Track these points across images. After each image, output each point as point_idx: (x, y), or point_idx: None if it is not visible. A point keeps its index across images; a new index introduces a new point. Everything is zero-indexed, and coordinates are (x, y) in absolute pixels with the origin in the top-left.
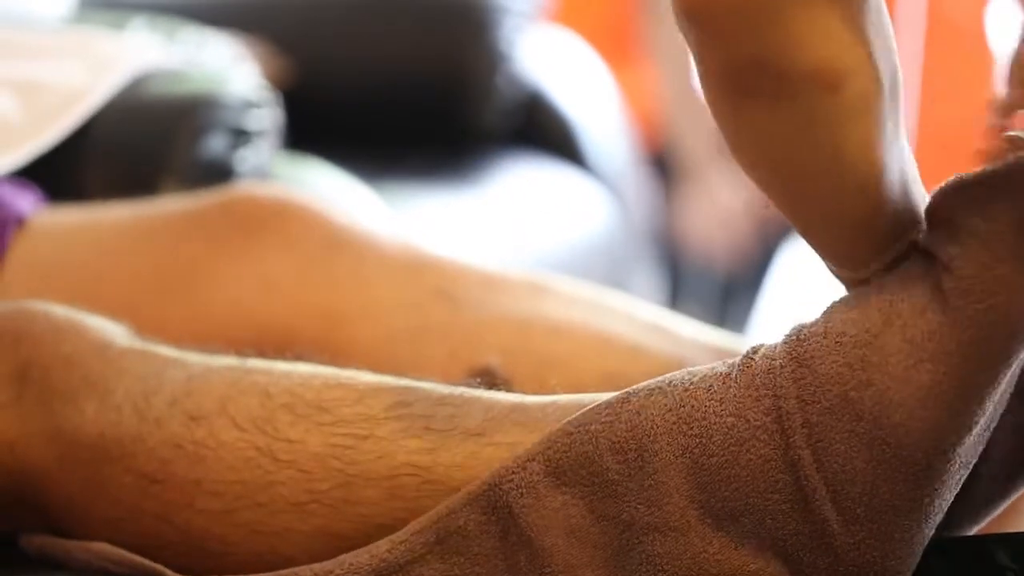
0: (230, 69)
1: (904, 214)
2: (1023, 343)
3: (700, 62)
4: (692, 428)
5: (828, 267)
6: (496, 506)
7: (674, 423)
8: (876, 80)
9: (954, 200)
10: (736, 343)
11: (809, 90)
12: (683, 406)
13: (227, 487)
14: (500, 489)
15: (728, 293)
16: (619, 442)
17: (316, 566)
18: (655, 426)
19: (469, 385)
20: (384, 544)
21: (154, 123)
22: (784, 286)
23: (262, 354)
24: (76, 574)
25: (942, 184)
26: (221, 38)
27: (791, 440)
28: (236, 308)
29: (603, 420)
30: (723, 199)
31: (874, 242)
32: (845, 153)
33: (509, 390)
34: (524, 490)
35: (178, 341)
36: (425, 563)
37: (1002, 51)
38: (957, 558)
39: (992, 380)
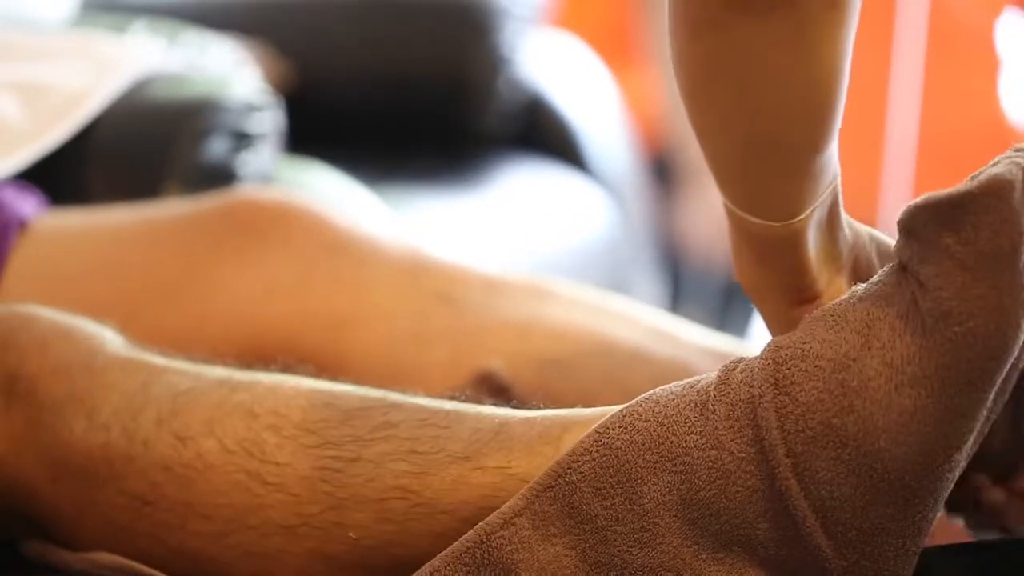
0: (232, 73)
1: (835, 152)
2: (1004, 364)
3: None
4: (675, 465)
5: (749, 223)
6: (486, 563)
7: (656, 462)
8: None
9: (928, 216)
10: (737, 347)
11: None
12: (662, 443)
13: (217, 510)
14: (491, 547)
15: (729, 296)
16: (603, 488)
17: None
18: (638, 467)
19: (457, 396)
20: None
21: (156, 126)
22: None
23: (248, 366)
24: None
25: (915, 200)
26: (223, 41)
27: (776, 471)
28: (237, 312)
29: (582, 469)
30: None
31: (815, 180)
32: (822, 71)
33: (511, 394)
34: (518, 546)
35: (178, 345)
36: None
37: (1009, 56)
38: (950, 560)
39: (976, 402)
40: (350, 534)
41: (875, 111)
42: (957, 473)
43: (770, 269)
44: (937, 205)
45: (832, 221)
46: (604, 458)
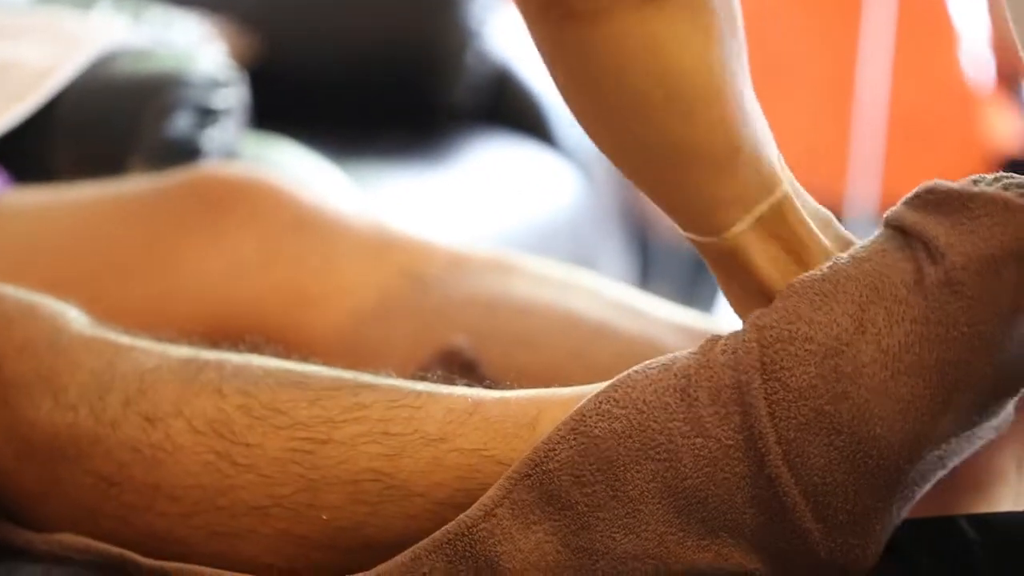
0: (197, 48)
1: (764, 168)
2: (1007, 363)
3: None
4: (659, 453)
5: (688, 237)
6: (467, 555)
7: (638, 449)
8: None
9: (951, 194)
10: (704, 322)
11: (627, 5)
12: (644, 430)
13: (186, 491)
14: (473, 539)
15: (697, 271)
16: (582, 476)
17: None
18: (618, 455)
19: (428, 376)
20: None
21: (121, 102)
22: None
23: (215, 344)
24: (40, 560)
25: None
26: (187, 17)
27: (766, 458)
28: (202, 288)
29: (559, 457)
30: None
31: (735, 193)
32: (680, 74)
33: (477, 371)
34: (500, 537)
35: (144, 322)
36: None
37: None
38: (925, 534)
39: (974, 402)
40: (322, 515)
41: (843, 84)
42: (953, 461)
43: (731, 283)
44: (966, 191)
45: (792, 230)
46: (582, 446)
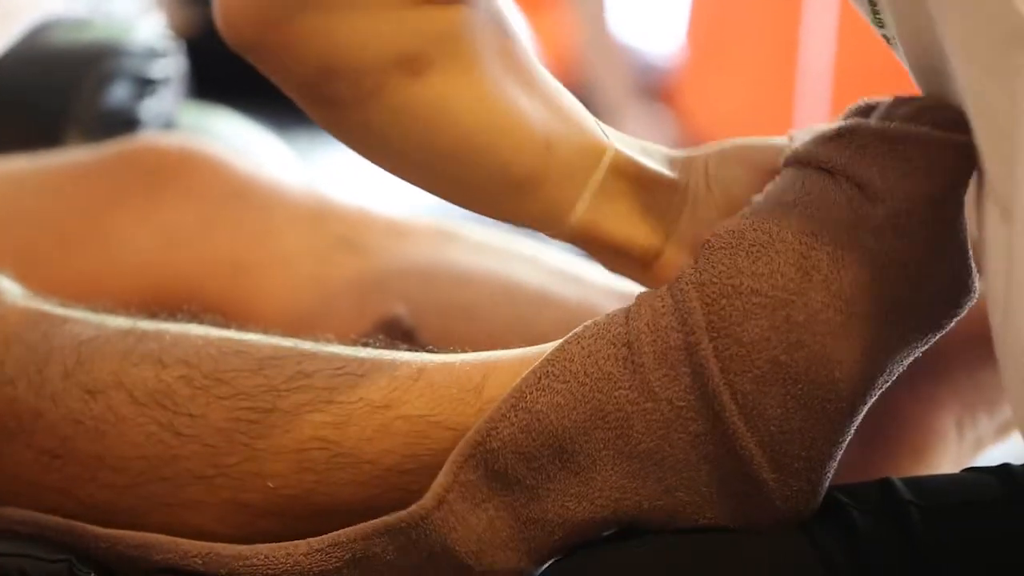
0: (134, 18)
1: (584, 140)
2: (960, 312)
3: (277, 82)
4: (608, 421)
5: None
6: (420, 543)
7: (585, 420)
8: (461, 38)
9: (876, 128)
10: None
11: (392, 85)
12: (588, 401)
13: (130, 462)
14: (427, 529)
15: None
16: (527, 451)
17: (236, 548)
18: (564, 427)
19: (371, 343)
20: (302, 547)
21: (57, 72)
22: None
23: (153, 315)
24: None
25: (856, 111)
26: None
27: (722, 415)
28: (140, 260)
29: (502, 435)
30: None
31: (560, 181)
32: (464, 127)
33: (415, 340)
34: (454, 523)
35: (81, 294)
36: (340, 574)
37: None
38: (862, 496)
39: (929, 340)
40: (268, 483)
41: (787, 48)
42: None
43: (604, 255)
44: (892, 131)
45: (636, 186)
46: (524, 422)
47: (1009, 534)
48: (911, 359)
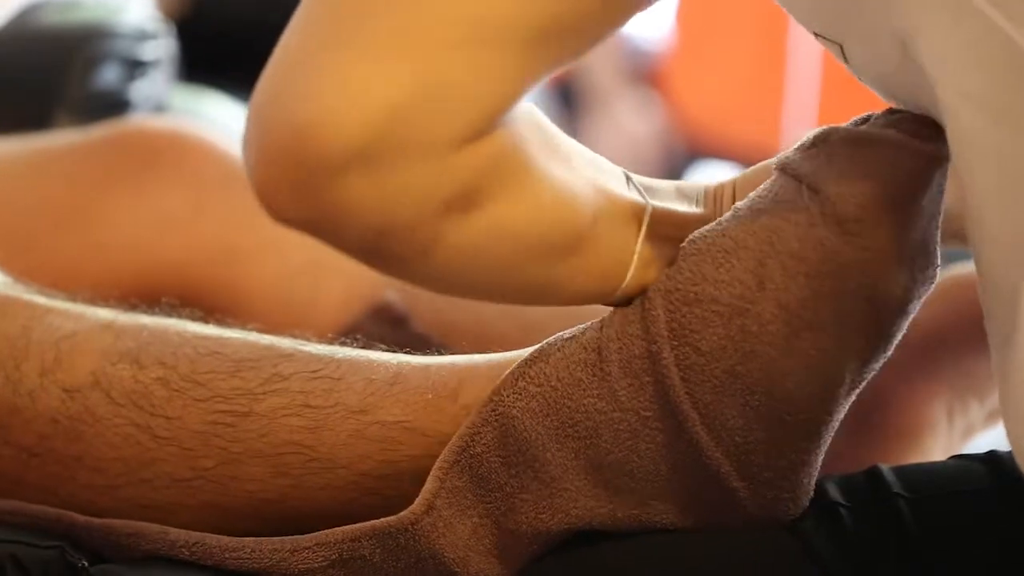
0: None
1: (624, 208)
2: (905, 316)
3: (336, 249)
4: (577, 430)
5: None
6: (409, 547)
7: (557, 428)
8: (508, 157)
9: (845, 136)
10: None
11: (448, 229)
12: (559, 409)
13: (109, 463)
14: (416, 535)
15: None
16: (507, 456)
17: (224, 539)
18: (537, 435)
19: (351, 342)
20: (288, 544)
21: (46, 54)
22: None
23: (132, 307)
24: None
25: (822, 128)
26: None
27: (685, 425)
28: (131, 244)
29: (485, 440)
30: (628, 126)
31: (610, 256)
32: (527, 235)
33: (408, 325)
34: (442, 530)
35: (70, 276)
36: (325, 574)
37: None
38: (850, 488)
39: (877, 348)
40: (246, 487)
41: (776, 31)
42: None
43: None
44: (858, 134)
45: (674, 233)
46: (503, 427)
47: (998, 523)
48: (877, 364)
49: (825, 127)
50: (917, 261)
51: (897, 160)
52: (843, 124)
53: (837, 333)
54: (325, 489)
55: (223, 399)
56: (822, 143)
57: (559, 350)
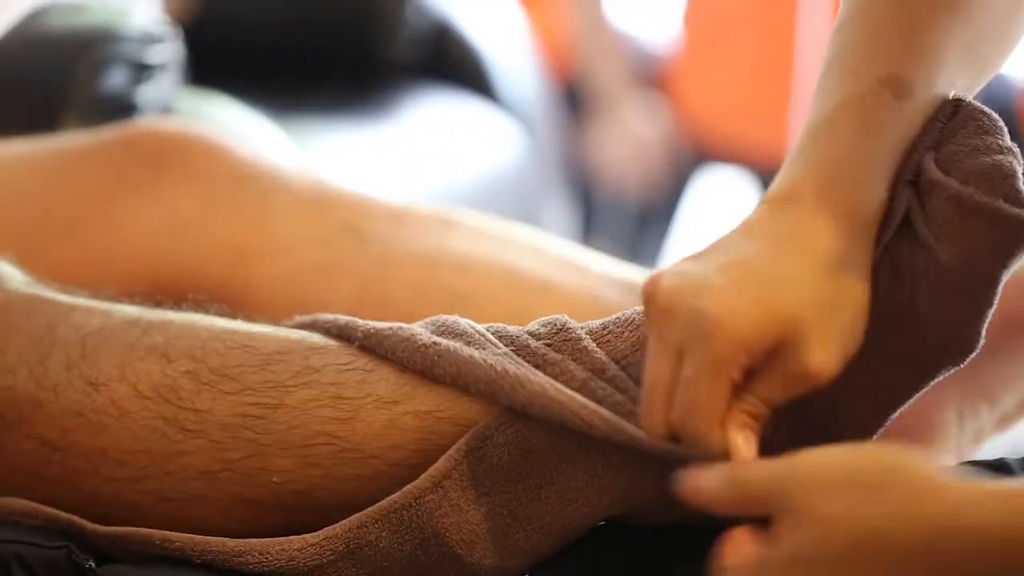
0: (131, 2)
1: None
2: None
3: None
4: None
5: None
6: (414, 524)
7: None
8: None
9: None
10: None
11: None
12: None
13: (133, 456)
14: (420, 510)
15: (641, 223)
16: (534, 449)
17: (229, 542)
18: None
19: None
20: (296, 543)
21: (53, 57)
22: (697, 216)
23: (158, 304)
24: None
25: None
26: None
27: None
28: (141, 246)
29: (511, 430)
30: (635, 129)
31: None
32: None
33: None
34: (447, 509)
35: (80, 281)
36: (335, 568)
37: None
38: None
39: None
40: (273, 479)
41: (784, 34)
42: None
43: None
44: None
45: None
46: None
47: None
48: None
49: (935, 175)
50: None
51: (1001, 232)
52: (945, 177)
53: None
54: (356, 480)
55: (253, 391)
56: (934, 189)
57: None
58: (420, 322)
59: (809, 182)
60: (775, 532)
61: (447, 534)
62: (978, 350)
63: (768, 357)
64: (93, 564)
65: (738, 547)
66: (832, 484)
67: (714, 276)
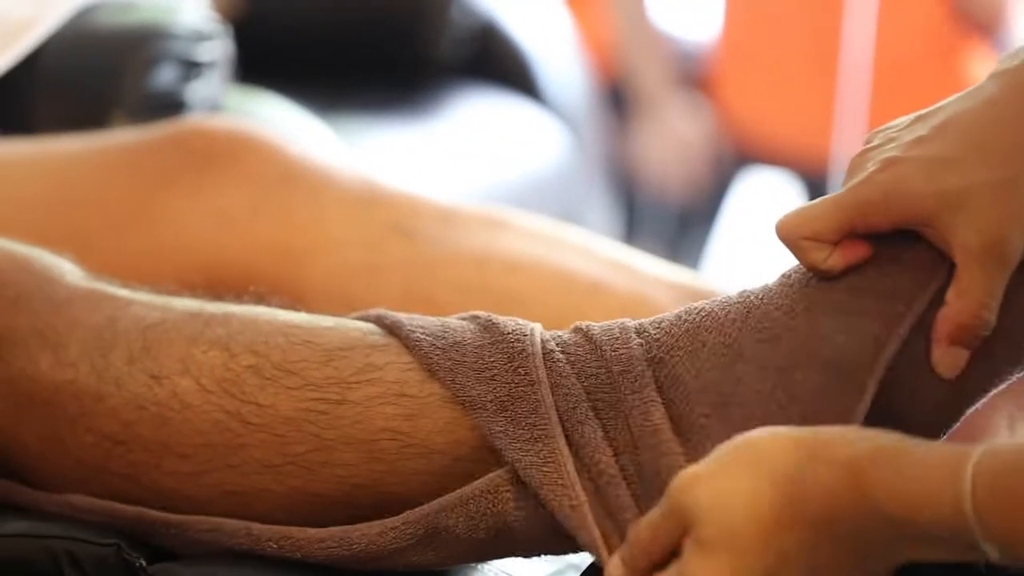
0: (180, 0)
1: None
2: None
3: None
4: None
5: None
6: (489, 513)
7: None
8: None
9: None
10: (696, 280)
11: None
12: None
13: (196, 450)
14: (497, 498)
15: (683, 224)
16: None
17: (310, 531)
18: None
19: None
20: (376, 527)
21: (103, 55)
22: (739, 217)
23: (218, 296)
24: (46, 518)
25: None
26: None
27: None
28: (190, 243)
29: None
30: (679, 130)
31: None
32: None
33: None
34: (522, 502)
35: (132, 277)
36: (414, 551)
37: None
38: None
39: None
40: (338, 472)
41: (827, 34)
42: None
43: None
44: None
45: None
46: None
47: None
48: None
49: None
50: None
51: None
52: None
53: None
54: (420, 474)
55: (315, 387)
56: None
57: None
58: (457, 316)
59: None
60: (683, 545)
61: (516, 527)
62: None
63: None
64: (143, 562)
65: None
66: (701, 476)
67: None
